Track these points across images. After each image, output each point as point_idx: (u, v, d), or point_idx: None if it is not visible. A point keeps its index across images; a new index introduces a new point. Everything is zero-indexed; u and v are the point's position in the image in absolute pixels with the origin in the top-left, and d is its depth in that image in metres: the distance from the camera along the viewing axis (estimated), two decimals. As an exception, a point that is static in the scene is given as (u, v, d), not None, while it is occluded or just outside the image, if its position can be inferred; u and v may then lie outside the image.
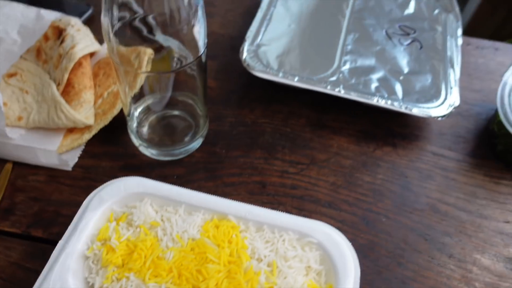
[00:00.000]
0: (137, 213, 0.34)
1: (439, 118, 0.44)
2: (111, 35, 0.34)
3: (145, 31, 0.35)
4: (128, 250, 0.33)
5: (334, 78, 0.47)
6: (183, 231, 0.33)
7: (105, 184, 0.36)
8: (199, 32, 0.35)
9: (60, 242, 0.33)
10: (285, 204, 0.40)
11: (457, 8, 0.56)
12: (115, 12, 0.33)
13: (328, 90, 0.45)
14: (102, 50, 0.50)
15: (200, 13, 0.34)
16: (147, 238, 0.33)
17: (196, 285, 0.31)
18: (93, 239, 0.34)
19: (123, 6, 0.33)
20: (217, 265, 0.31)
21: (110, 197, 0.35)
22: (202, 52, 0.36)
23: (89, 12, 0.59)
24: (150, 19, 0.34)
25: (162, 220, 0.35)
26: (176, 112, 0.44)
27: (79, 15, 0.58)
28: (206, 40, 0.37)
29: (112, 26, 0.34)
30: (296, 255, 0.32)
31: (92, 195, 0.36)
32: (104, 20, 0.34)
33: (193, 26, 0.34)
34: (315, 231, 0.34)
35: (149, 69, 0.38)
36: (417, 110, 0.44)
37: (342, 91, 0.45)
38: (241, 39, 0.56)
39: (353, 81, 0.47)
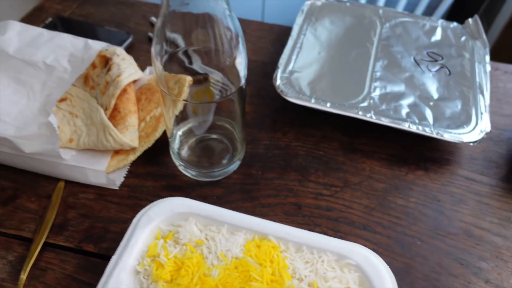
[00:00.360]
0: (183, 232, 0.37)
1: (471, 144, 0.45)
2: (160, 66, 0.37)
3: (190, 62, 0.38)
4: (176, 267, 0.35)
5: (365, 104, 0.49)
6: (227, 249, 0.35)
7: (152, 204, 0.39)
8: (241, 63, 0.38)
9: (113, 257, 0.35)
10: (320, 225, 0.42)
11: (484, 35, 0.58)
12: (164, 45, 0.36)
13: (360, 115, 0.47)
14: (144, 77, 0.54)
15: (241, 45, 0.37)
16: (193, 256, 0.35)
17: (241, 302, 0.32)
18: (143, 255, 0.36)
19: (172, 40, 0.36)
20: (260, 284, 0.33)
21: (157, 216, 0.38)
22: (243, 82, 0.39)
23: (129, 40, 0.63)
24: (195, 52, 0.37)
25: (206, 239, 0.37)
26: (214, 136, 0.47)
27: (120, 43, 0.62)
28: (246, 71, 0.39)
29: (161, 57, 0.37)
30: (336, 276, 0.34)
31: (141, 213, 0.38)
32: (154, 52, 0.37)
33: (235, 58, 0.37)
34: (353, 253, 0.35)
35: (186, 94, 0.40)
36: (448, 136, 0.45)
37: (374, 117, 0.47)
38: (272, 65, 0.59)
39: (383, 106, 0.48)
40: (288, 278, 0.33)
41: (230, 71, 0.38)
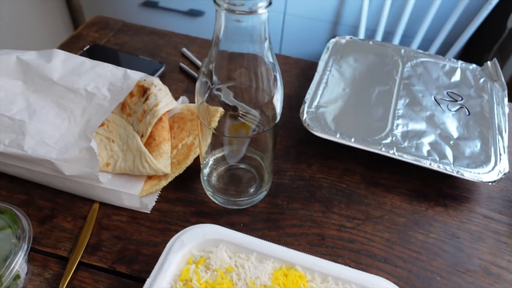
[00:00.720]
0: (213, 258, 0.39)
1: (490, 183, 0.47)
2: (202, 100, 0.40)
3: (229, 99, 0.41)
4: (207, 292, 0.36)
5: (387, 141, 0.51)
6: (256, 277, 0.37)
7: (185, 229, 0.41)
8: (278, 100, 0.40)
9: (148, 280, 0.37)
10: (343, 257, 0.43)
11: (502, 78, 0.60)
12: (208, 82, 0.39)
13: (383, 151, 0.49)
14: (177, 106, 0.57)
15: (279, 84, 0.40)
16: (224, 282, 0.37)
17: (269, 329, 0.34)
18: (175, 279, 0.38)
19: (215, 79, 0.39)
20: (287, 312, 0.35)
21: (189, 242, 0.40)
22: (278, 119, 0.42)
23: (162, 69, 0.66)
24: (236, 89, 0.40)
25: (236, 265, 0.38)
26: (244, 166, 0.49)
27: (153, 72, 0.66)
28: (281, 108, 0.42)
29: (205, 92, 0.40)
30: (360, 307, 0.35)
31: (174, 238, 0.40)
32: (199, 86, 0.40)
33: (273, 96, 0.40)
34: (376, 286, 0.36)
35: (215, 123, 0.43)
36: (469, 175, 0.47)
37: (396, 153, 0.49)
38: (297, 98, 0.62)
39: (405, 144, 0.50)
40: (314, 308, 0.35)
41: (267, 108, 0.40)
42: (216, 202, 0.48)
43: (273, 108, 0.41)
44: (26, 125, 0.50)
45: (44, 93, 0.55)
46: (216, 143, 0.46)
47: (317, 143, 0.55)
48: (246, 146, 0.46)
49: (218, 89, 0.40)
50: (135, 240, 0.45)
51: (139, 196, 0.48)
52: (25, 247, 0.39)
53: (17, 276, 0.39)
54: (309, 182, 0.51)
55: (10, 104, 0.53)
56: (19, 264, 0.38)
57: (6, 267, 0.38)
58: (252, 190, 0.48)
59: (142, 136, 0.51)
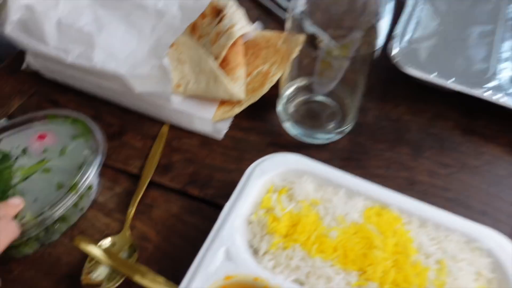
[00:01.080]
0: (297, 189, 0.35)
1: None
2: (296, 25, 0.36)
3: (319, 27, 0.36)
4: (291, 223, 0.33)
5: (492, 85, 0.44)
6: (345, 213, 0.34)
7: (266, 157, 0.37)
8: (383, 25, 0.35)
9: (227, 205, 0.34)
10: (436, 204, 0.39)
11: None
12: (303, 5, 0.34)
13: (487, 96, 0.43)
14: (250, 32, 0.52)
15: (389, 7, 0.34)
16: (310, 214, 0.33)
17: (363, 268, 0.31)
18: (256, 206, 0.35)
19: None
20: (383, 253, 0.31)
21: (270, 170, 0.36)
22: (380, 45, 0.36)
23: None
24: (336, 10, 0.35)
25: (322, 199, 0.35)
26: (324, 99, 0.45)
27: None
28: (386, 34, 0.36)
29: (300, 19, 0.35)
30: (466, 258, 0.31)
31: (254, 165, 0.37)
32: (293, 12, 0.35)
33: (379, 19, 0.34)
34: (485, 237, 0.32)
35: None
36: None
37: (505, 98, 0.43)
38: (380, 35, 0.55)
39: (513, 89, 0.44)
40: (413, 252, 0.31)
41: (369, 33, 0.35)
42: (293, 134, 0.44)
43: (375, 33, 0.36)
44: (94, 37, 0.47)
45: (112, 8, 0.51)
46: (301, 70, 0.42)
47: (404, 83, 0.49)
48: (339, 75, 0.41)
49: (311, 14, 0.35)
50: (208, 165, 0.42)
51: (211, 121, 0.44)
52: (99, 158, 0.38)
53: (90, 187, 0.38)
54: (396, 123, 0.46)
55: (79, 15, 0.50)
56: (93, 174, 0.37)
57: (81, 175, 0.36)
58: (333, 125, 0.43)
59: (216, 59, 0.47)
